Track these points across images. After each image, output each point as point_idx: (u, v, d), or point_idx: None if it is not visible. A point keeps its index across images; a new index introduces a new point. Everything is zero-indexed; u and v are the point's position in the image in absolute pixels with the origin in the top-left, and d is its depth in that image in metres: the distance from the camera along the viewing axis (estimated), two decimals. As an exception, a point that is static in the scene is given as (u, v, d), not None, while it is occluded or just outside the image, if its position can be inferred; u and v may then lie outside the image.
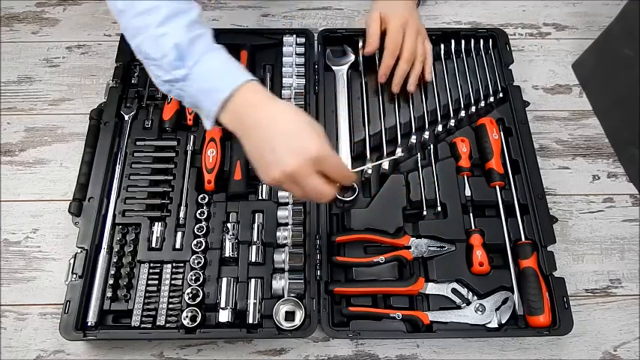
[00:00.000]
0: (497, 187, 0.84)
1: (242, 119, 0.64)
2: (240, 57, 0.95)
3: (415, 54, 0.87)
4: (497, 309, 0.76)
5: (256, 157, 0.63)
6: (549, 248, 0.80)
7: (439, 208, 0.83)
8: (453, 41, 0.97)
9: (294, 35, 0.98)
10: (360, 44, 0.95)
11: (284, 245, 0.80)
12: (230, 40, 0.97)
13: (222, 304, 0.75)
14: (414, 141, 0.87)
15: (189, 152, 0.87)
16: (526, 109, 0.91)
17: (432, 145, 0.88)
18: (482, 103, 0.93)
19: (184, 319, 0.74)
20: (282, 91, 0.93)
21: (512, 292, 0.77)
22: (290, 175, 0.60)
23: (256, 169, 0.64)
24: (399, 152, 0.86)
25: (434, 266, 0.79)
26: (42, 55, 1.03)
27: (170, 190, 0.85)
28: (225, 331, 0.75)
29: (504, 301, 0.76)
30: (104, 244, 0.79)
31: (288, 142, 0.60)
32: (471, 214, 0.83)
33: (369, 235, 0.81)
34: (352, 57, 0.96)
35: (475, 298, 0.77)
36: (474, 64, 0.96)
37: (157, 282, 0.78)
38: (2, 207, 0.88)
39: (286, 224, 0.82)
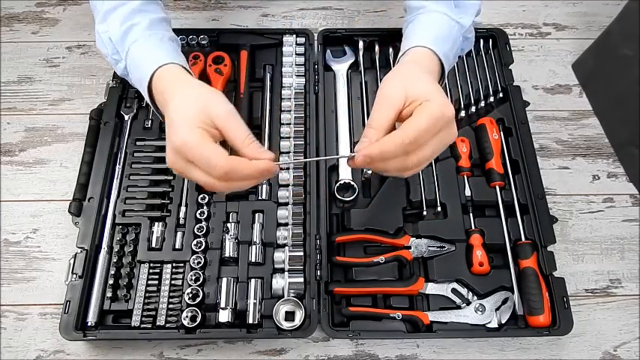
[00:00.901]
0: (497, 187, 0.84)
1: (162, 109, 0.65)
2: (240, 57, 0.95)
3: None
4: (497, 309, 0.76)
5: None
6: (549, 248, 0.80)
7: (439, 208, 0.83)
8: (453, 41, 0.97)
9: (294, 35, 0.98)
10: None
11: (284, 245, 0.80)
12: (230, 40, 0.98)
13: (222, 304, 0.75)
14: (414, 141, 0.87)
15: (189, 152, 0.87)
16: (526, 109, 0.91)
17: (432, 145, 0.88)
18: (483, 103, 0.93)
19: (184, 319, 0.74)
20: (282, 91, 0.93)
21: (512, 292, 0.77)
22: (171, 167, 0.59)
23: None
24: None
25: (434, 266, 0.79)
26: (42, 55, 1.03)
27: (170, 190, 0.84)
28: (225, 331, 0.75)
29: (504, 301, 0.76)
30: (104, 244, 0.79)
31: (167, 134, 0.59)
32: (471, 214, 0.83)
33: (369, 235, 0.81)
34: (352, 57, 0.96)
35: (475, 298, 0.77)
36: (474, 64, 0.96)
37: (157, 282, 0.78)
38: (2, 207, 0.88)
39: (286, 224, 0.82)
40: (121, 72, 0.71)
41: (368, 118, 0.61)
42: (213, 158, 0.55)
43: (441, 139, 0.58)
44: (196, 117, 0.56)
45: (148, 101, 0.67)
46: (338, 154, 0.87)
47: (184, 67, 0.67)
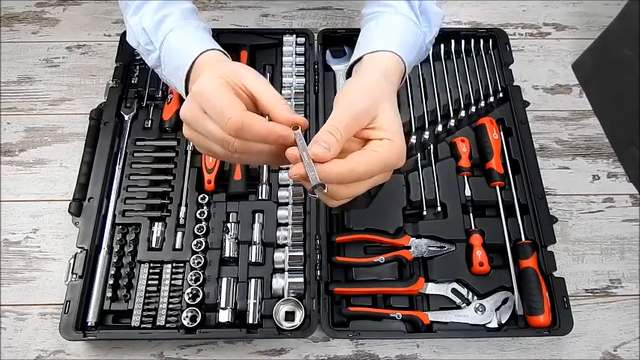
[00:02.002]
0: (497, 187, 0.84)
1: None
2: (240, 57, 0.96)
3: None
4: (497, 309, 0.76)
5: None
6: (549, 248, 0.80)
7: (439, 208, 0.83)
8: (452, 41, 0.97)
9: (294, 35, 0.98)
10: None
11: (284, 245, 0.80)
12: (230, 40, 0.98)
13: (222, 304, 0.75)
14: (414, 141, 0.87)
15: (189, 152, 0.87)
16: (526, 109, 0.91)
17: (432, 145, 0.88)
18: (483, 103, 0.93)
19: (184, 319, 0.74)
20: (282, 91, 0.93)
21: (512, 292, 0.77)
22: (185, 118, 0.55)
23: None
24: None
25: (434, 266, 0.79)
26: (42, 55, 1.03)
27: (170, 190, 0.84)
28: (225, 331, 0.75)
29: (504, 301, 0.76)
30: (104, 244, 0.79)
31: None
32: (471, 214, 0.83)
33: (369, 235, 0.81)
34: (352, 57, 0.96)
35: (475, 298, 0.77)
36: (474, 64, 0.96)
37: (157, 282, 0.78)
38: (2, 207, 0.88)
39: (286, 224, 0.82)
40: (153, 63, 0.70)
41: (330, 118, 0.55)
42: (227, 108, 0.51)
43: (378, 179, 0.56)
44: (223, 72, 0.54)
45: (182, 91, 0.65)
46: None
47: (224, 53, 0.65)
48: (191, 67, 0.63)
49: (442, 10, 0.72)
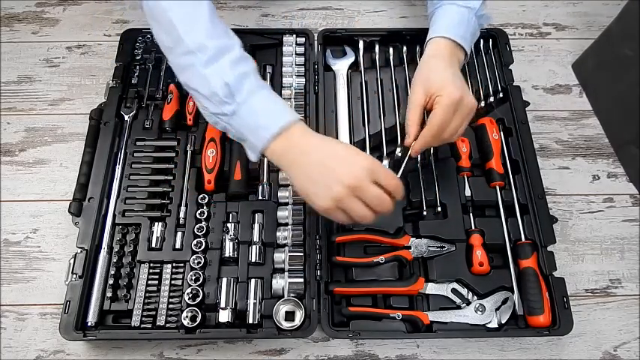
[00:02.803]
0: (498, 187, 0.84)
1: (287, 155, 0.68)
2: (240, 57, 0.95)
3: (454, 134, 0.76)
4: (497, 309, 0.76)
5: (308, 184, 0.67)
6: (549, 248, 0.80)
7: (439, 208, 0.83)
8: (453, 41, 0.97)
9: (294, 35, 0.98)
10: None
11: (284, 245, 0.80)
12: (230, 40, 0.98)
13: (222, 304, 0.75)
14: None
15: (189, 152, 0.87)
16: (526, 109, 0.91)
17: (432, 145, 0.88)
18: (482, 103, 0.93)
19: (184, 319, 0.74)
20: (282, 91, 0.93)
21: (512, 292, 0.77)
22: (350, 188, 0.64)
23: (308, 197, 0.67)
24: (398, 152, 0.86)
25: (434, 266, 0.79)
26: (42, 55, 1.03)
27: (170, 190, 0.85)
28: (225, 331, 0.75)
29: (504, 301, 0.76)
30: (104, 244, 0.79)
31: (343, 159, 0.65)
32: (471, 214, 0.83)
33: (369, 235, 0.81)
34: (352, 57, 0.96)
35: (475, 298, 0.77)
36: (474, 64, 0.96)
37: (157, 282, 0.78)
38: (2, 207, 0.88)
39: (286, 224, 0.82)
40: (220, 112, 0.69)
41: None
42: (395, 176, 0.68)
43: (462, 111, 0.74)
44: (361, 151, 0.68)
45: (255, 144, 0.68)
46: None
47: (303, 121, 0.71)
48: (278, 133, 0.67)
49: None
